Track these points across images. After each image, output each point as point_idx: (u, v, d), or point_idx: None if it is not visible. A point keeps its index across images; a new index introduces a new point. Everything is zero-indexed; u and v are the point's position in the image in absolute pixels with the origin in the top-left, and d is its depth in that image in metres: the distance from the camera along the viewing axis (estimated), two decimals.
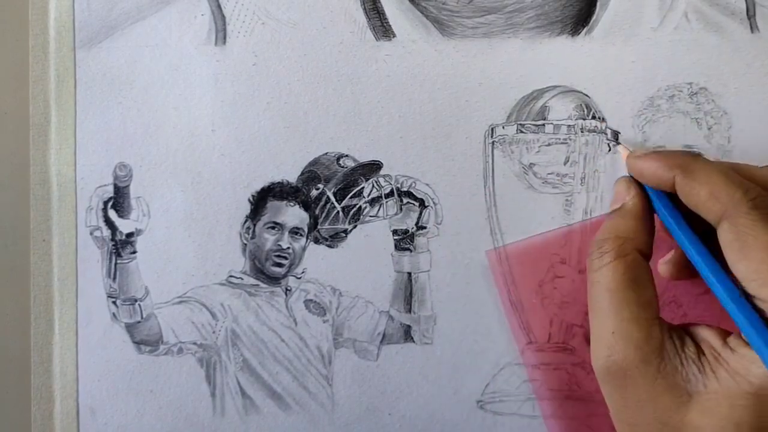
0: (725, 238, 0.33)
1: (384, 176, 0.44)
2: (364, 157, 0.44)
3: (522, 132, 0.44)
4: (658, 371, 0.34)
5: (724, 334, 0.35)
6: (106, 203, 0.44)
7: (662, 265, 0.41)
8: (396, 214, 0.44)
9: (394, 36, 0.44)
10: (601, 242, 0.37)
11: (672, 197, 0.37)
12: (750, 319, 0.32)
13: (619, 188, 0.39)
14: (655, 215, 0.39)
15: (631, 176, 0.40)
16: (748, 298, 0.33)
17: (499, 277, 0.43)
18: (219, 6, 0.44)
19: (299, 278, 0.44)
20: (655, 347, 0.34)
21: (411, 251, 0.44)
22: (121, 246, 0.44)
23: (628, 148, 0.42)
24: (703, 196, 0.34)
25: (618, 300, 0.35)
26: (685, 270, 0.39)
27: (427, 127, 0.44)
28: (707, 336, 0.34)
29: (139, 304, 0.43)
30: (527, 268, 0.43)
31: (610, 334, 0.34)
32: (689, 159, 0.36)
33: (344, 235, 0.44)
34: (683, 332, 0.35)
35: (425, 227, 0.44)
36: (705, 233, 0.36)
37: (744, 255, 0.32)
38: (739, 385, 0.32)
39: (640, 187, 0.39)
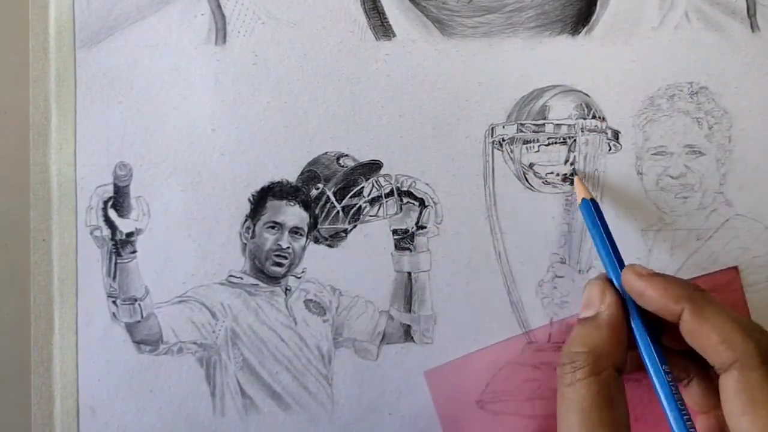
0: (732, 387, 0.32)
1: (384, 176, 0.44)
2: (364, 157, 0.44)
3: (522, 132, 0.44)
4: None
5: None
6: (106, 203, 0.44)
7: None
8: (396, 213, 0.44)
9: (394, 36, 0.44)
10: (574, 355, 0.34)
11: (646, 311, 0.35)
12: None
13: (593, 292, 0.37)
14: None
15: (608, 280, 0.37)
16: None
17: (498, 277, 0.43)
18: (219, 5, 0.44)
19: (299, 278, 0.44)
20: None
21: (411, 251, 0.44)
22: (121, 245, 0.44)
23: (584, 183, 0.42)
24: (713, 340, 0.32)
25: (591, 422, 0.33)
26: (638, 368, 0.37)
27: (427, 127, 0.44)
28: None
29: (139, 304, 0.43)
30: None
31: None
32: (698, 295, 0.34)
33: (344, 234, 0.44)
34: None
35: (425, 227, 0.44)
36: (656, 324, 0.34)
37: (751, 409, 0.31)
38: None
39: (617, 293, 0.37)
